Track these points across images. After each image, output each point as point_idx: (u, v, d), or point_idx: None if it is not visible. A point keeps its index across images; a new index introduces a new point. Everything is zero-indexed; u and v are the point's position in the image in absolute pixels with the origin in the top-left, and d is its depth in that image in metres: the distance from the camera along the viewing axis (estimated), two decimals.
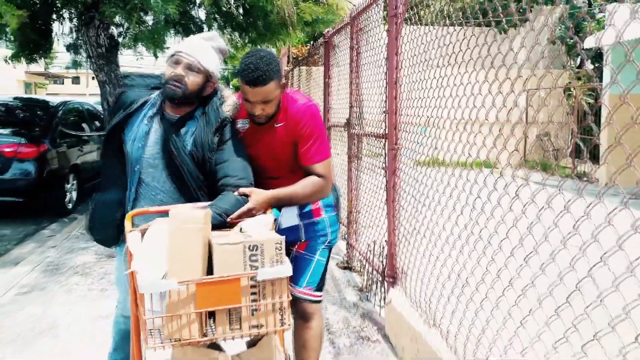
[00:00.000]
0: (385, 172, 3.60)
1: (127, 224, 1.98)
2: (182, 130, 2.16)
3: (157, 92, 2.28)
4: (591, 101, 12.41)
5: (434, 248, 2.72)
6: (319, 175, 2.29)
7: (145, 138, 2.19)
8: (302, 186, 2.26)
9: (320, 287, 2.47)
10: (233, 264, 1.67)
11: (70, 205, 7.67)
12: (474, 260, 2.29)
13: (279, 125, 2.31)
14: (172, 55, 2.16)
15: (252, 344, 2.03)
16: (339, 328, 3.60)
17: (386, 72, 3.56)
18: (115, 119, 2.23)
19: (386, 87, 3.56)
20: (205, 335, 1.71)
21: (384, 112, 3.65)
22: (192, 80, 2.13)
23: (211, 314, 1.72)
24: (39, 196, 6.99)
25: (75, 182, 7.89)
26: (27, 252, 5.68)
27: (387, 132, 3.55)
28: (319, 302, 2.48)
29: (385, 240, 3.65)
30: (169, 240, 1.69)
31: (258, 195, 2.09)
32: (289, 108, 2.31)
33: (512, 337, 2.00)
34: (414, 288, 3.08)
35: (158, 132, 2.19)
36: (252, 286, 1.68)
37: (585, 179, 11.37)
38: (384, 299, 3.68)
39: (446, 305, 2.56)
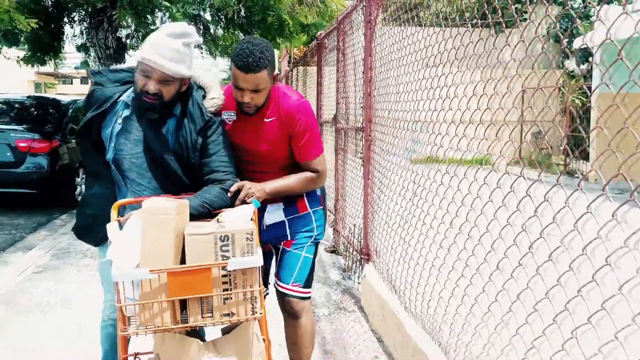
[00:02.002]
0: (363, 161, 4.02)
1: (114, 213, 1.96)
2: (163, 129, 2.09)
3: (130, 89, 2.15)
4: (584, 99, 12.73)
5: (398, 227, 3.13)
6: (314, 170, 2.30)
7: (124, 137, 2.11)
8: (296, 179, 2.28)
9: (308, 283, 2.42)
10: (204, 254, 1.69)
11: (80, 198, 8.13)
12: (433, 239, 2.70)
13: (270, 120, 2.26)
14: (141, 62, 2.00)
15: (226, 331, 2.04)
16: (321, 301, 4.01)
17: (363, 72, 3.97)
18: (88, 115, 2.13)
19: (363, 85, 3.98)
20: (178, 323, 1.74)
21: (362, 107, 4.06)
22: (168, 91, 2.03)
23: (184, 303, 1.75)
24: (51, 189, 7.46)
25: (84, 176, 8.35)
26: (40, 238, 6.14)
27: (363, 125, 3.97)
28: (307, 298, 2.43)
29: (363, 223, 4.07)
30: (142, 230, 1.72)
31: (253, 185, 2.12)
32: (281, 103, 2.25)
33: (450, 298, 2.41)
34: (379, 261, 3.49)
35: (138, 131, 2.11)
36: (223, 275, 1.70)
37: (576, 175, 11.73)
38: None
39: (400, 270, 2.98)
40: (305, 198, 2.41)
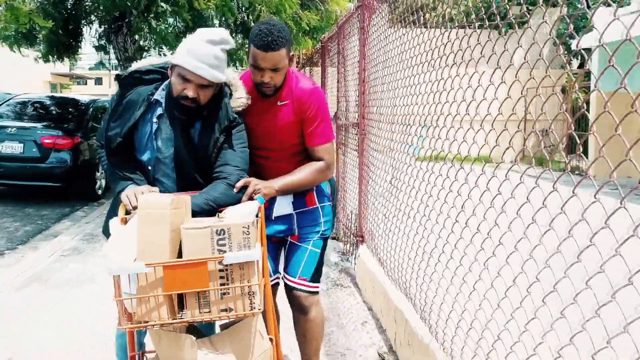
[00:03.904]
0: (358, 153, 4.47)
1: (121, 211, 1.96)
2: (191, 130, 2.11)
3: (161, 87, 2.16)
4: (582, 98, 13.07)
5: (382, 207, 3.58)
6: (321, 158, 2.30)
7: (156, 137, 2.12)
8: (304, 173, 2.27)
9: (315, 277, 2.42)
10: (201, 248, 1.69)
11: (100, 192, 8.66)
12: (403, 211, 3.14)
13: (283, 103, 2.28)
14: (179, 67, 2.01)
15: (225, 327, 1.98)
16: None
17: (358, 73, 4.42)
18: (129, 123, 2.11)
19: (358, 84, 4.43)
20: (176, 318, 1.74)
21: (357, 104, 4.51)
22: (205, 95, 2.05)
23: (182, 300, 1.75)
24: (73, 182, 8.00)
25: (104, 171, 8.89)
26: (65, 227, 6.65)
27: (358, 120, 4.42)
28: (315, 293, 2.43)
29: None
30: (138, 225, 1.73)
31: (261, 181, 2.12)
32: (294, 88, 2.28)
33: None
34: (371, 242, 3.94)
35: (169, 130, 2.11)
36: (220, 270, 1.69)
37: (577, 172, 12.09)
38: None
39: (383, 243, 3.42)
40: (314, 192, 2.42)
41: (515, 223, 1.70)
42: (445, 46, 2.28)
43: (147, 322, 1.71)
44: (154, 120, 2.12)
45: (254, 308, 1.71)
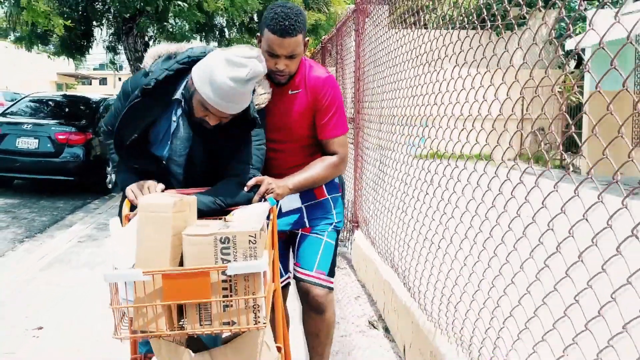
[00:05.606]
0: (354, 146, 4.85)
1: (125, 208, 1.89)
2: (210, 133, 1.96)
3: (181, 87, 1.96)
4: (579, 97, 13.42)
5: (373, 191, 3.95)
6: (334, 152, 2.17)
7: (174, 135, 2.01)
8: (318, 169, 2.13)
9: (331, 272, 2.27)
10: (203, 256, 1.58)
11: (110, 186, 9.07)
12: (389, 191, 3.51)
13: (295, 92, 2.15)
14: (198, 94, 1.81)
15: (226, 340, 1.86)
16: None
17: (354, 71, 4.79)
18: (146, 122, 1.98)
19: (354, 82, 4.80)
20: (174, 329, 1.63)
21: (353, 100, 4.89)
22: (228, 119, 1.89)
23: (182, 307, 1.63)
24: (85, 176, 8.40)
25: (110, 161, 9.28)
26: (79, 218, 7.05)
27: (354, 115, 4.80)
28: (331, 289, 2.26)
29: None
30: (137, 228, 1.62)
31: (274, 180, 2.00)
32: (308, 76, 2.15)
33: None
34: (365, 227, 4.32)
35: (188, 129, 1.99)
36: (223, 281, 1.58)
37: (571, 169, 12.44)
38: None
39: (373, 223, 3.80)
40: (323, 184, 2.26)
41: (468, 189, 2.06)
42: (422, 46, 2.65)
43: (144, 332, 1.62)
44: (174, 119, 2.00)
45: (259, 322, 1.60)
